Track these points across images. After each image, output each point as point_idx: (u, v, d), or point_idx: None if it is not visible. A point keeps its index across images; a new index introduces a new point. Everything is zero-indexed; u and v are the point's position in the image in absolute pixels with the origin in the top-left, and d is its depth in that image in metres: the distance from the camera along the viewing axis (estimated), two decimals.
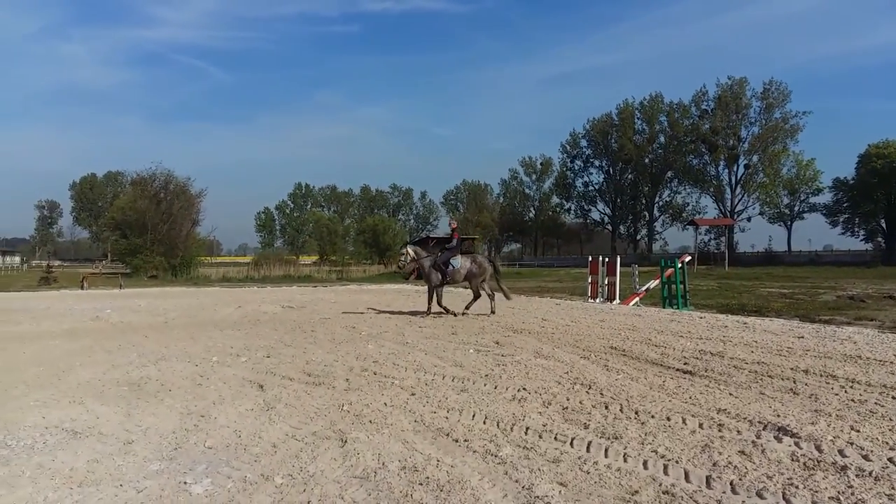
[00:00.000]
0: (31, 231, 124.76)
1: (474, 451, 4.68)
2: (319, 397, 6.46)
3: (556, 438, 4.96)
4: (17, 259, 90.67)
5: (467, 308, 15.03)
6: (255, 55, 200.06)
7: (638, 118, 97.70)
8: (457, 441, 4.93)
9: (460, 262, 15.13)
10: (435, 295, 14.95)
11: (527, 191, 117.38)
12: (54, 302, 21.48)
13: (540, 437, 5.02)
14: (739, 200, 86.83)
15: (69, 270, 57.72)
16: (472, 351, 9.34)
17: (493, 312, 14.82)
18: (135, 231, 47.76)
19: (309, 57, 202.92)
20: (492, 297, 15.32)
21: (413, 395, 6.51)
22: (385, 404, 6.11)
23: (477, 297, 15.27)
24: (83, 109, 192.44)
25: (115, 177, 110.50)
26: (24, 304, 20.24)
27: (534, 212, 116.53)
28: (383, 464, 4.41)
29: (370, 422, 5.49)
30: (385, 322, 13.61)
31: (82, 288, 32.22)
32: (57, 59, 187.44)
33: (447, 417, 5.62)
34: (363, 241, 75.71)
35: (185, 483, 4.07)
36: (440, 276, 14.85)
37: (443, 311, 14.75)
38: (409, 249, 15.22)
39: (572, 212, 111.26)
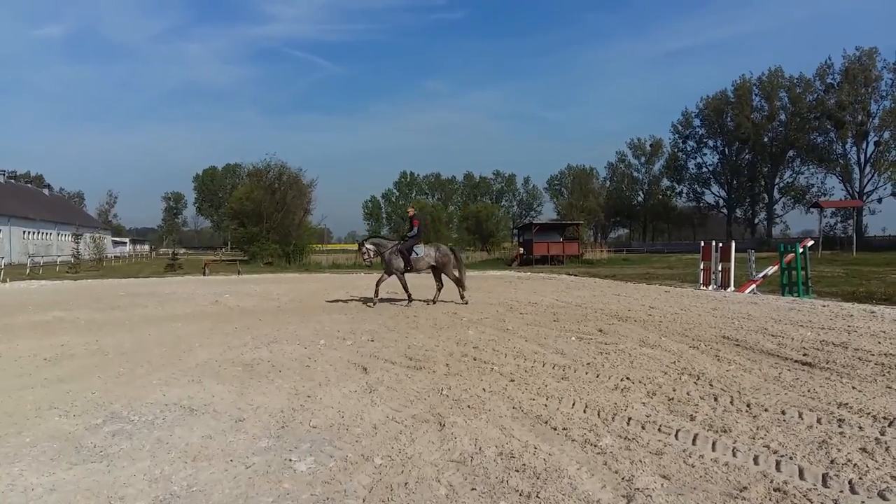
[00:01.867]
0: (159, 221, 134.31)
1: (573, 440, 4.58)
2: (420, 381, 6.54)
3: (659, 430, 4.78)
4: (146, 247, 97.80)
5: (434, 300, 15.02)
6: (364, 47, 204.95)
7: (756, 94, 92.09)
8: (555, 429, 4.85)
9: (424, 251, 15.03)
10: (399, 280, 14.89)
11: (635, 174, 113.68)
12: (178, 287, 22.97)
13: (643, 427, 4.85)
14: (869, 180, 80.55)
15: (192, 257, 61.59)
16: (573, 339, 9.16)
17: (464, 300, 14.78)
18: (251, 220, 50.25)
19: (416, 45, 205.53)
20: (458, 284, 15.15)
21: (512, 381, 6.46)
22: (484, 390, 6.10)
23: (457, 282, 15.13)
24: (204, 106, 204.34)
25: (233, 169, 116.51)
26: (152, 289, 21.76)
27: (642, 195, 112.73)
28: (480, 449, 4.40)
29: (468, 407, 5.49)
30: (486, 308, 13.61)
31: (204, 274, 34.34)
32: (180, 58, 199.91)
33: (546, 405, 5.54)
34: (466, 227, 76.15)
35: (290, 461, 4.23)
36: (402, 263, 14.74)
37: (375, 293, 14.88)
38: (369, 245, 14.96)
39: (684, 195, 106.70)
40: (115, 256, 60.08)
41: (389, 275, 14.87)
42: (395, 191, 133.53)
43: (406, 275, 14.87)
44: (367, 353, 8.21)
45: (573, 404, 5.55)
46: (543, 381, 6.42)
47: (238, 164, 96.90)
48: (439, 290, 15.17)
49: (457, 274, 15.15)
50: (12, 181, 75.08)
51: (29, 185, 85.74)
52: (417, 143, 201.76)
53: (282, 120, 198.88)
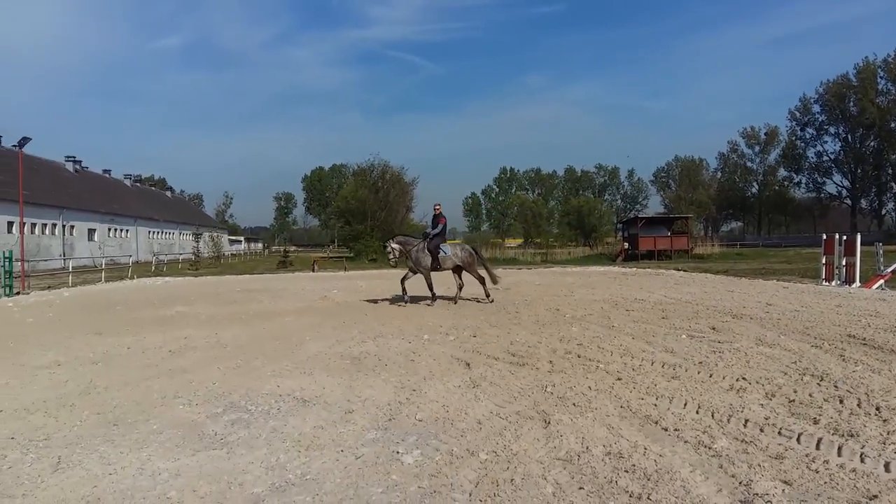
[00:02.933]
0: (271, 220, 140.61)
1: (685, 441, 4.40)
2: (523, 377, 6.49)
3: (779, 433, 4.52)
4: (259, 245, 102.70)
5: (456, 299, 14.78)
6: (463, 45, 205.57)
7: (881, 78, 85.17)
8: (666, 430, 4.68)
9: (451, 250, 14.69)
10: (426, 280, 14.49)
11: (749, 164, 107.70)
12: (289, 283, 23.97)
13: (761, 430, 4.60)
14: None
15: (302, 255, 64.10)
16: (684, 336, 8.82)
17: (489, 298, 14.63)
18: (357, 218, 51.72)
19: (515, 41, 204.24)
20: (483, 283, 14.91)
21: (619, 379, 6.30)
22: (589, 388, 5.98)
23: (482, 281, 14.90)
24: (311, 108, 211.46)
25: (339, 169, 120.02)
26: (265, 285, 22.82)
27: (757, 187, 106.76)
28: (587, 448, 4.31)
29: (574, 405, 5.40)
30: (589, 305, 13.34)
31: (313, 270, 35.64)
32: (287, 63, 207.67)
33: (656, 405, 5.35)
34: (567, 222, 74.94)
35: (398, 453, 4.30)
36: (430, 262, 14.35)
37: (403, 291, 14.44)
38: (394, 244, 14.55)
39: (803, 185, 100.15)
40: (231, 254, 63.46)
41: (415, 273, 14.60)
42: (494, 187, 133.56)
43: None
44: (469, 349, 8.24)
45: (685, 404, 5.34)
46: (652, 380, 6.22)
47: (343, 165, 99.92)
48: (460, 288, 15.07)
49: (482, 273, 14.98)
50: (138, 184, 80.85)
51: (153, 188, 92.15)
52: (517, 139, 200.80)
53: (384, 120, 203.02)
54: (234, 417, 5.28)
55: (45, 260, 40.09)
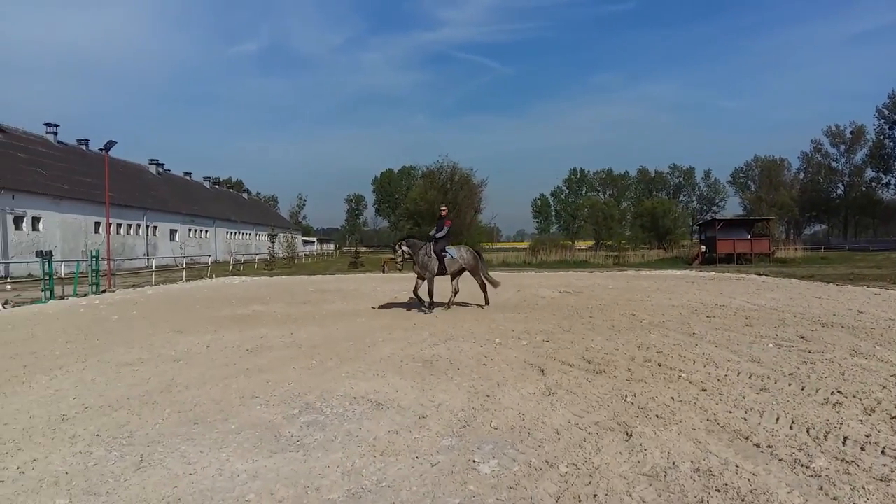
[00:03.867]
0: (342, 221, 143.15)
1: (780, 460, 4.14)
2: (600, 386, 6.29)
3: (883, 452, 4.20)
4: (331, 246, 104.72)
5: (449, 304, 14.23)
6: (532, 45, 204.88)
7: None
8: (758, 446, 4.42)
9: (456, 253, 14.05)
10: (428, 285, 13.73)
11: (833, 164, 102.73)
12: (361, 284, 24.27)
13: (862, 449, 4.29)
14: None
15: (372, 256, 64.87)
16: (770, 345, 8.40)
17: (487, 303, 14.39)
18: (425, 219, 51.98)
19: (585, 40, 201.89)
20: (484, 288, 14.54)
21: (703, 390, 6.01)
22: (672, 399, 5.72)
23: (483, 287, 14.52)
24: (380, 111, 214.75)
25: (408, 171, 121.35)
26: (337, 286, 23.18)
27: (843, 188, 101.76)
28: (673, 463, 4.10)
29: (656, 416, 5.17)
30: (667, 310, 12.90)
31: (383, 271, 35.98)
32: (358, 67, 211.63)
33: (745, 418, 5.07)
34: (641, 224, 73.20)
35: (474, 461, 4.20)
36: (436, 266, 13.70)
37: (419, 300, 13.76)
38: (406, 247, 13.82)
39: (892, 186, 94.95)
40: (304, 255, 64.89)
41: (423, 279, 13.87)
42: (564, 188, 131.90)
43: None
44: (543, 354, 8.07)
45: (777, 419, 5.04)
46: (740, 392, 5.91)
47: (412, 167, 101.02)
48: (455, 293, 14.59)
49: (482, 277, 14.48)
50: (217, 186, 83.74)
51: (231, 190, 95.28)
52: (587, 139, 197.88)
53: (452, 122, 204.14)
54: (309, 419, 5.29)
55: (130, 259, 42.03)
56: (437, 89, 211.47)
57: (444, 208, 14.89)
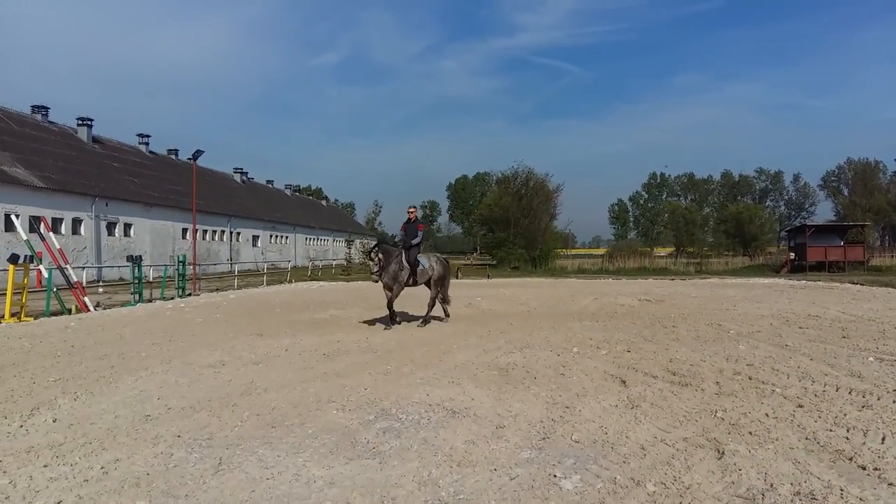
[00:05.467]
0: None
1: (889, 484, 3.79)
2: (687, 399, 5.97)
3: None
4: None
5: (426, 318, 12.80)
6: (612, 48, 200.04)
7: None
8: (863, 468, 4.07)
9: (426, 262, 12.75)
10: (393, 296, 12.30)
11: None
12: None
13: None
14: None
15: None
16: (871, 359, 7.83)
17: (447, 316, 13.21)
18: (500, 226, 51.76)
19: (666, 41, 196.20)
20: (446, 301, 13.33)
21: (800, 406, 5.61)
22: (766, 415, 5.36)
23: (446, 301, 13.30)
24: (457, 118, 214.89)
25: (482, 177, 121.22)
26: (411, 291, 23.18)
27: None
28: (771, 485, 3.80)
29: (750, 433, 4.85)
30: (756, 320, 12.27)
31: (457, 277, 36.00)
32: (436, 75, 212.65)
33: (847, 438, 4.69)
34: (724, 230, 70.57)
35: (555, 476, 4.01)
36: (406, 276, 12.29)
37: (392, 316, 12.36)
38: (381, 254, 11.96)
39: None
40: None
41: (392, 290, 12.27)
42: (643, 193, 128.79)
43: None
44: (624, 365, 7.77)
45: (883, 439, 4.64)
46: (840, 409, 5.49)
47: (487, 173, 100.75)
48: (447, 301, 13.46)
49: (446, 290, 13.41)
50: (297, 194, 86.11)
51: (310, 198, 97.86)
52: (667, 143, 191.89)
53: (529, 127, 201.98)
54: (385, 426, 5.23)
55: (214, 264, 43.70)
56: (514, 94, 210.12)
57: (411, 209, 13.09)
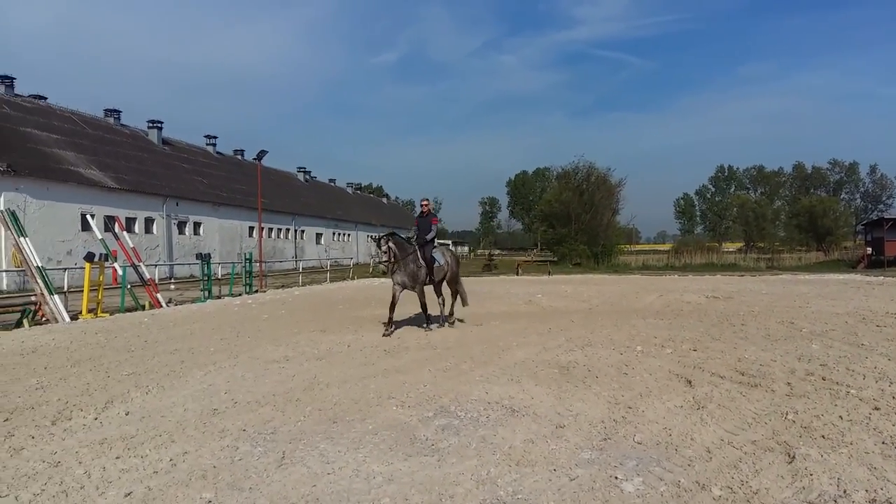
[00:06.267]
0: (476, 224, 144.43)
1: None
2: (756, 401, 5.75)
3: None
4: (465, 248, 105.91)
5: (451, 316, 12.14)
6: (674, 38, 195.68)
7: None
8: None
9: (443, 258, 11.80)
10: (421, 298, 11.51)
11: None
12: (494, 286, 24.24)
13: None
14: None
15: (506, 258, 64.88)
16: None
17: (453, 319, 12.20)
18: (560, 222, 51.16)
19: (732, 29, 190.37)
20: (454, 299, 12.28)
21: (877, 409, 5.34)
22: (840, 417, 5.12)
23: (456, 294, 12.31)
24: (516, 113, 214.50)
25: (542, 172, 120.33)
26: (470, 288, 23.19)
27: None
28: (844, 491, 3.62)
29: (822, 437, 4.63)
30: (830, 318, 11.76)
31: (517, 274, 35.84)
32: (494, 70, 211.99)
33: None
34: (796, 224, 67.94)
35: (616, 478, 3.93)
36: (425, 275, 11.43)
37: (389, 319, 11.20)
38: (392, 244, 11.14)
39: None
40: None
41: (404, 289, 11.48)
42: (710, 186, 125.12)
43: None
44: (689, 364, 7.55)
45: None
46: None
47: (547, 168, 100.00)
48: (452, 303, 12.35)
49: (460, 285, 12.47)
50: (358, 192, 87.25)
51: (371, 196, 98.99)
52: (735, 134, 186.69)
53: (590, 120, 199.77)
54: (444, 423, 5.23)
55: (280, 261, 44.74)
56: (574, 88, 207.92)
57: (424, 202, 12.25)
